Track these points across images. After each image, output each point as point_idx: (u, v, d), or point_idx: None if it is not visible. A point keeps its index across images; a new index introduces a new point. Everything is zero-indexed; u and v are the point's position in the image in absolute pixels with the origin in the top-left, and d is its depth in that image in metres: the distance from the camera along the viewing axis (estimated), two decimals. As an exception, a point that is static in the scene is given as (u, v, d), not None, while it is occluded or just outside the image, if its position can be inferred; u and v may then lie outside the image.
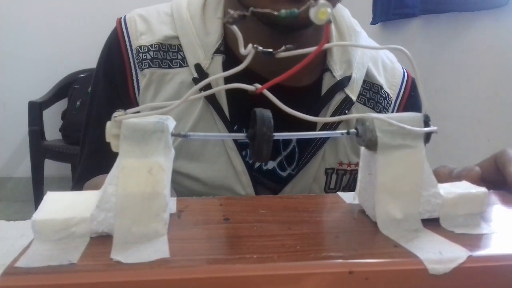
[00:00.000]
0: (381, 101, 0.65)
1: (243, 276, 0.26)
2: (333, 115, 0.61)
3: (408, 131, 0.32)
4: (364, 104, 0.64)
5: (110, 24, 0.66)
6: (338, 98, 0.61)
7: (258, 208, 0.37)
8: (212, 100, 0.59)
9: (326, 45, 0.24)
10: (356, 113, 0.63)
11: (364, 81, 0.64)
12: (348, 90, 0.62)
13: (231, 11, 0.23)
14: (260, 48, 0.27)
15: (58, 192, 0.34)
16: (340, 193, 0.41)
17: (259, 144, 0.30)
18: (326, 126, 0.61)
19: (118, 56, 0.62)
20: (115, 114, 0.30)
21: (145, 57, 0.60)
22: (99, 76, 0.65)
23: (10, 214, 2.38)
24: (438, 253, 0.29)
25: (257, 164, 0.63)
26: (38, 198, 2.17)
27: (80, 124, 0.67)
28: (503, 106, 1.47)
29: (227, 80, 0.54)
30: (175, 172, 0.60)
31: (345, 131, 0.34)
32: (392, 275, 0.27)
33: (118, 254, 0.27)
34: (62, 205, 0.32)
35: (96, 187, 0.49)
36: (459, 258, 0.28)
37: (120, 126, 0.30)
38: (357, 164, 0.65)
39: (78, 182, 0.64)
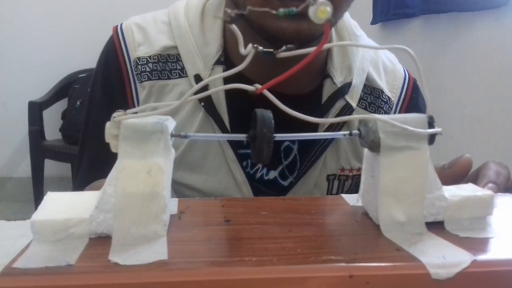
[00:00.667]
0: (382, 106, 0.64)
1: (241, 279, 0.26)
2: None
3: (412, 133, 0.31)
4: (365, 108, 0.64)
5: (110, 24, 0.65)
6: (338, 105, 0.61)
7: (260, 210, 0.37)
8: (211, 111, 0.58)
9: (326, 45, 0.24)
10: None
11: (365, 85, 0.64)
12: (348, 97, 0.61)
13: (229, 10, 0.23)
14: (260, 48, 0.27)
15: (58, 193, 0.34)
16: (343, 195, 0.41)
17: (259, 145, 0.30)
18: (329, 131, 0.60)
19: (116, 68, 0.61)
20: (114, 114, 0.30)
21: (144, 69, 0.59)
22: (97, 86, 0.64)
23: (10, 214, 2.38)
24: (442, 258, 0.28)
25: (258, 174, 0.62)
26: (38, 198, 2.17)
27: (80, 124, 0.67)
28: (503, 106, 1.46)
29: (226, 90, 0.53)
30: (176, 183, 0.60)
31: (348, 132, 0.33)
32: (393, 279, 0.27)
33: (116, 256, 0.27)
34: (62, 205, 0.32)
35: (98, 189, 0.49)
36: (462, 263, 0.27)
37: (120, 126, 0.30)
38: (359, 170, 0.64)
39: (77, 190, 0.64)
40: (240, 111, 0.58)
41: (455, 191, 0.34)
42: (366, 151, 0.35)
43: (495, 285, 0.28)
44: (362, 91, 0.63)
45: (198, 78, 0.58)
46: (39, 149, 2.19)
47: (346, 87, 0.61)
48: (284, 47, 0.28)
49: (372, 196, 0.34)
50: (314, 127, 0.60)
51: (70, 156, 2.12)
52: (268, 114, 0.31)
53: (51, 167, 2.34)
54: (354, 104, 0.62)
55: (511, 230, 0.34)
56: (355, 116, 0.34)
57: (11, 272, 0.25)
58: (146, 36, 0.61)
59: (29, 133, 2.21)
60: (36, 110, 2.23)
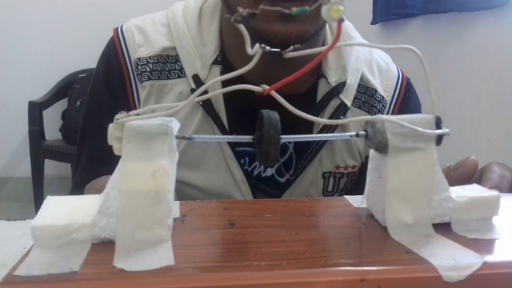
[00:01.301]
0: (376, 104, 0.66)
1: (252, 285, 0.25)
2: None
3: (420, 133, 0.31)
4: (359, 107, 0.65)
5: (109, 24, 0.65)
6: (333, 104, 0.62)
7: (264, 212, 0.36)
8: (210, 110, 0.59)
9: (338, 44, 0.23)
10: (351, 117, 0.63)
11: (359, 85, 0.65)
12: (343, 96, 0.62)
13: (241, 9, 0.22)
14: (268, 48, 0.26)
15: (58, 196, 0.33)
16: (347, 197, 0.40)
17: (266, 147, 0.29)
18: (323, 130, 0.61)
19: (117, 69, 0.62)
20: (117, 116, 0.29)
21: (144, 69, 0.60)
22: (98, 86, 0.64)
23: (10, 214, 2.36)
24: (452, 260, 0.28)
25: (256, 172, 0.63)
26: (38, 198, 2.15)
27: (79, 127, 0.66)
28: (503, 106, 1.46)
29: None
30: (176, 181, 0.60)
31: (355, 133, 0.33)
32: (405, 282, 0.26)
33: (121, 262, 0.26)
34: (62, 210, 0.31)
35: (100, 189, 0.49)
36: (474, 265, 0.27)
37: (123, 128, 0.29)
38: (353, 167, 0.65)
39: (75, 190, 0.64)
40: (238, 110, 0.59)
41: (461, 192, 0.34)
42: (372, 152, 0.35)
43: (506, 287, 0.28)
44: (357, 90, 0.64)
45: (196, 78, 0.59)
46: (39, 149, 2.17)
47: (340, 87, 0.62)
48: (291, 47, 0.27)
49: (378, 198, 0.34)
50: (309, 126, 0.61)
51: (70, 156, 2.09)
52: (275, 115, 0.30)
53: (51, 167, 2.32)
54: (348, 103, 0.62)
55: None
56: (361, 118, 0.33)
57: (13, 280, 0.25)
58: (146, 38, 0.62)
59: (29, 133, 2.18)
60: (36, 110, 2.20)
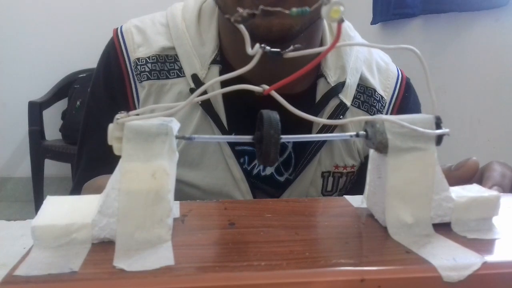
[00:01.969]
0: (375, 104, 0.66)
1: (252, 285, 0.25)
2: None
3: (420, 133, 0.31)
4: (359, 107, 0.65)
5: (109, 25, 0.65)
6: (332, 103, 0.62)
7: (264, 212, 0.36)
8: (209, 109, 0.59)
9: (338, 44, 0.23)
10: (350, 117, 0.63)
11: (358, 84, 0.65)
12: (342, 96, 0.62)
13: (240, 10, 0.22)
14: (268, 48, 0.26)
15: (58, 196, 0.33)
16: (347, 197, 0.40)
17: (266, 147, 0.29)
18: (323, 130, 0.61)
19: (116, 69, 0.62)
20: (117, 116, 0.29)
21: (143, 69, 0.60)
22: (98, 86, 0.65)
23: (10, 214, 2.36)
24: (452, 260, 0.28)
25: (255, 171, 0.63)
26: (38, 198, 2.16)
27: (79, 126, 0.67)
28: (503, 106, 1.46)
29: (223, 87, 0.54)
30: (175, 180, 0.60)
31: (355, 133, 0.33)
32: (405, 282, 0.26)
33: (121, 262, 0.26)
34: (63, 210, 0.31)
35: (98, 189, 0.48)
36: (474, 265, 0.27)
37: (123, 128, 0.29)
38: (352, 167, 0.65)
39: (76, 189, 0.64)
40: (237, 109, 0.59)
41: (461, 192, 0.34)
42: (372, 152, 0.35)
43: (506, 287, 0.28)
44: (356, 90, 0.64)
45: (195, 78, 0.59)
46: (39, 149, 2.17)
47: (340, 86, 0.62)
48: (291, 47, 0.27)
49: (378, 198, 0.34)
50: (308, 125, 0.62)
51: (70, 156, 2.09)
52: (275, 115, 0.30)
53: (51, 167, 2.32)
54: (348, 102, 0.63)
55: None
56: (361, 118, 0.33)
57: (13, 280, 0.25)
58: (145, 38, 0.62)
59: (29, 133, 2.18)
60: (36, 110, 2.20)
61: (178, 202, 0.38)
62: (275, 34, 0.51)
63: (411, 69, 0.72)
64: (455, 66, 1.64)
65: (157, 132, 0.29)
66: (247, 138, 0.32)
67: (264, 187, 0.64)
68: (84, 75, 2.41)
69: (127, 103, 0.62)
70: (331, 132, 0.62)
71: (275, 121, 0.30)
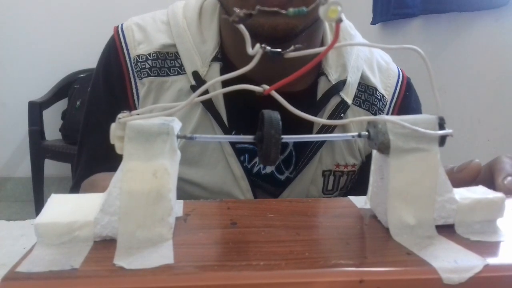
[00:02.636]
0: (376, 103, 0.65)
1: (249, 284, 0.25)
2: (328, 118, 0.61)
3: (422, 134, 0.31)
4: (360, 106, 0.65)
5: (109, 24, 0.66)
6: (333, 102, 0.62)
7: (266, 212, 0.36)
8: (210, 107, 0.59)
9: (337, 44, 0.23)
10: (351, 116, 0.63)
11: (359, 83, 0.64)
12: (343, 94, 0.62)
13: (237, 10, 0.22)
14: (268, 48, 0.26)
15: (61, 195, 0.34)
16: (351, 197, 0.40)
17: (267, 147, 0.30)
18: (323, 130, 0.61)
19: (117, 66, 0.62)
20: (119, 115, 0.29)
21: (144, 66, 0.61)
22: (98, 84, 0.65)
23: (10, 214, 2.37)
24: (453, 262, 0.27)
25: (255, 169, 0.63)
26: (38, 198, 2.16)
27: (80, 125, 0.67)
28: (503, 106, 1.45)
29: (224, 86, 0.54)
30: None
31: (357, 133, 0.33)
32: (404, 284, 0.26)
33: (121, 260, 0.27)
34: (66, 208, 0.31)
35: (93, 185, 0.49)
36: (475, 267, 0.27)
37: (125, 128, 0.29)
38: (353, 165, 0.65)
39: (76, 187, 0.64)
40: (237, 107, 0.59)
41: (466, 193, 0.34)
42: (374, 152, 0.34)
43: (509, 290, 0.27)
44: (357, 89, 0.64)
45: (196, 75, 0.59)
46: (39, 149, 2.18)
47: (341, 84, 0.62)
48: (292, 47, 0.27)
49: (381, 199, 0.34)
50: (309, 124, 0.61)
51: (70, 156, 2.10)
52: (276, 115, 0.30)
53: (51, 167, 2.34)
54: (349, 101, 0.62)
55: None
56: (362, 118, 0.33)
57: (14, 277, 0.25)
58: (145, 35, 0.63)
59: (29, 133, 2.20)
60: (36, 110, 2.22)
61: (181, 201, 0.38)
62: (280, 33, 0.51)
63: (411, 70, 0.72)
64: (455, 66, 1.63)
65: (159, 131, 0.30)
66: (248, 138, 0.32)
67: (265, 185, 0.64)
68: (84, 75, 2.41)
69: (126, 100, 0.62)
70: (332, 130, 0.61)
71: (276, 121, 0.30)
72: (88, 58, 2.30)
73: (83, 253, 0.28)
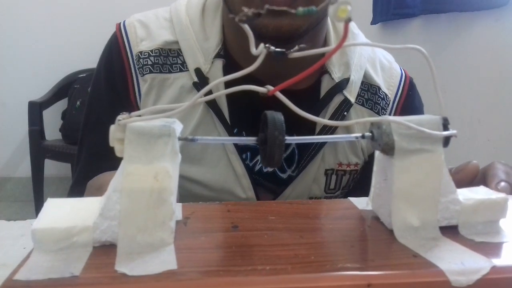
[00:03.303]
0: (379, 102, 0.65)
1: (256, 290, 0.25)
2: (332, 117, 0.61)
3: (427, 135, 0.30)
4: (362, 104, 0.64)
5: (110, 24, 0.65)
6: (336, 100, 0.62)
7: (267, 215, 0.36)
8: (212, 104, 0.59)
9: (345, 44, 0.23)
10: (354, 114, 0.63)
11: (362, 82, 0.64)
12: (346, 92, 0.62)
13: (245, 9, 0.22)
14: (272, 48, 0.26)
15: (58, 199, 0.33)
16: (351, 199, 0.40)
17: (270, 149, 0.29)
18: (326, 128, 0.61)
19: (118, 62, 0.62)
20: (119, 117, 0.28)
21: (146, 62, 0.60)
22: (99, 81, 0.65)
23: (10, 214, 2.36)
24: (460, 264, 0.27)
25: (257, 167, 0.63)
26: (38, 198, 2.15)
27: (80, 124, 0.66)
28: (503, 106, 1.46)
29: (227, 84, 0.54)
30: None
31: (360, 134, 0.32)
32: (412, 287, 0.26)
33: (123, 266, 0.26)
34: (63, 212, 0.30)
35: (101, 187, 0.48)
36: (482, 269, 0.27)
37: (125, 130, 0.28)
38: (356, 165, 0.65)
39: (76, 184, 0.64)
40: (240, 105, 0.59)
41: (469, 194, 0.33)
42: (377, 153, 0.34)
43: (516, 292, 0.27)
44: (360, 87, 0.64)
45: (198, 72, 0.59)
46: (39, 149, 2.16)
47: (344, 83, 0.62)
48: (296, 47, 0.27)
49: (384, 200, 0.33)
50: (312, 122, 0.60)
51: (70, 156, 2.08)
52: (279, 116, 0.30)
53: (51, 167, 2.32)
54: (352, 99, 0.62)
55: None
56: (366, 119, 0.33)
57: (12, 285, 0.24)
58: (148, 32, 0.62)
59: (29, 133, 2.18)
60: (36, 110, 2.19)
61: (180, 204, 0.37)
62: (285, 34, 0.51)
63: (411, 70, 0.72)
64: (455, 66, 1.64)
65: (160, 133, 0.29)
66: (251, 140, 0.31)
67: (266, 183, 0.63)
68: (84, 75, 2.41)
69: (128, 97, 0.61)
70: (335, 129, 0.61)
71: (279, 122, 0.29)
72: (88, 58, 2.29)
73: (83, 259, 0.27)
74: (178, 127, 0.30)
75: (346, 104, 0.62)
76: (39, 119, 2.20)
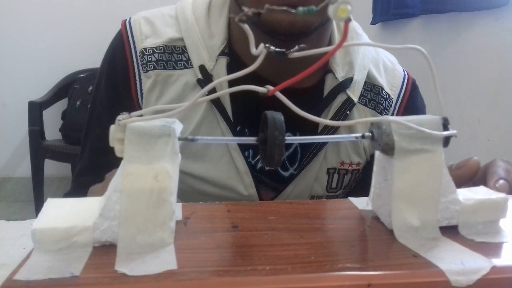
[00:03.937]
0: (382, 102, 0.65)
1: (256, 290, 0.25)
2: (334, 116, 0.61)
3: (427, 135, 0.30)
4: (365, 105, 0.65)
5: (110, 24, 0.65)
6: (339, 99, 0.62)
7: (267, 215, 0.36)
8: (215, 101, 0.59)
9: (346, 44, 0.23)
10: (357, 114, 0.63)
11: (365, 82, 0.65)
12: (349, 92, 0.62)
13: (246, 9, 0.22)
14: (272, 48, 0.26)
15: (58, 199, 0.33)
16: (351, 199, 0.40)
17: (270, 149, 0.29)
18: (328, 127, 0.61)
19: (122, 59, 0.62)
20: (119, 117, 0.28)
21: (150, 59, 0.60)
22: (102, 77, 0.65)
23: (10, 214, 2.36)
24: (460, 264, 0.27)
25: (259, 164, 0.63)
26: (38, 198, 2.15)
27: (80, 124, 0.68)
28: (503, 106, 1.46)
29: (231, 82, 0.54)
30: (179, 171, 0.61)
31: (360, 134, 0.32)
32: (412, 287, 0.26)
33: (123, 266, 0.26)
34: (63, 212, 0.30)
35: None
36: (482, 269, 0.27)
37: (125, 130, 0.28)
38: (358, 164, 0.65)
39: (77, 178, 0.65)
40: (243, 102, 0.59)
41: (469, 194, 0.33)
42: (378, 153, 0.34)
43: (516, 292, 0.27)
44: (363, 87, 0.64)
45: (202, 69, 0.59)
46: (39, 149, 2.16)
47: (347, 82, 0.62)
48: (296, 47, 0.27)
49: (384, 200, 0.33)
50: (314, 122, 0.61)
51: (70, 156, 2.09)
52: (279, 116, 0.30)
53: (51, 167, 2.32)
54: (355, 98, 0.62)
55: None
56: (368, 119, 0.33)
57: (12, 285, 0.24)
58: (153, 29, 0.62)
59: (29, 133, 2.18)
60: (36, 110, 2.20)
61: (180, 204, 0.37)
62: (298, 29, 0.52)
63: (411, 70, 0.72)
64: (455, 66, 1.64)
65: (160, 133, 0.29)
66: (251, 139, 0.31)
67: (268, 181, 0.64)
68: (84, 75, 2.41)
69: (129, 94, 0.61)
70: (337, 128, 0.61)
71: (279, 122, 0.29)
72: (88, 58, 2.30)
73: (83, 259, 0.27)
74: (178, 127, 0.30)
75: (349, 104, 0.62)
76: (39, 119, 2.20)
